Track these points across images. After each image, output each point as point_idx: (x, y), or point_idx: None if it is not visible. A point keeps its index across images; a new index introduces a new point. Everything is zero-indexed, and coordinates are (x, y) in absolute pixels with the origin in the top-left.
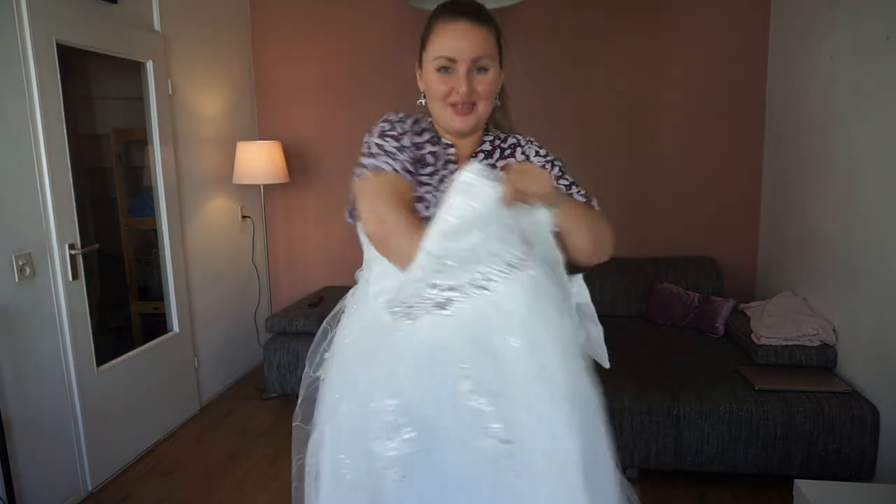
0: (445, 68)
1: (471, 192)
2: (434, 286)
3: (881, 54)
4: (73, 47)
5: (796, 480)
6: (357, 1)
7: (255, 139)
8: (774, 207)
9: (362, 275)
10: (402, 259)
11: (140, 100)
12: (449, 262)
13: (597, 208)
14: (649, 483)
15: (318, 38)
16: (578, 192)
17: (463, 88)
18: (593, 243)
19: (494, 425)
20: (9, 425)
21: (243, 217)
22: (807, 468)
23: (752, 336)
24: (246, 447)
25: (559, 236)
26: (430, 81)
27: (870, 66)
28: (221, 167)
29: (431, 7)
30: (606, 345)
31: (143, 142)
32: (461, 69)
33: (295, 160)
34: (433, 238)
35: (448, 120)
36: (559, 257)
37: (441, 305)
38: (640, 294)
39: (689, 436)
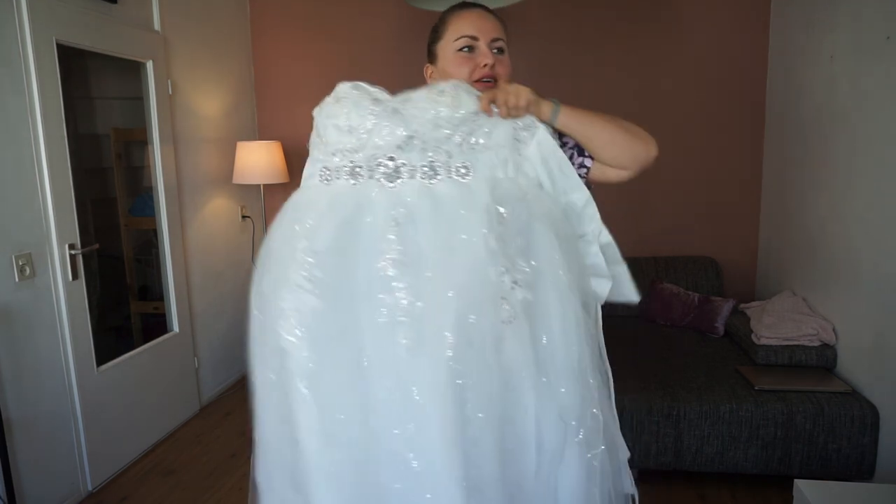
0: (468, 48)
1: (451, 95)
2: (391, 158)
3: (881, 54)
4: (73, 47)
5: (796, 480)
6: (357, 0)
7: (255, 139)
8: (774, 207)
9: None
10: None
11: (140, 100)
12: (415, 142)
13: None
14: (649, 483)
15: (318, 38)
16: None
17: (489, 59)
18: (624, 137)
19: (399, 285)
20: (9, 425)
21: (243, 217)
22: (807, 468)
23: (752, 336)
24: (246, 447)
25: (587, 148)
26: (452, 63)
27: (870, 65)
28: (221, 167)
29: (431, 6)
30: (605, 345)
31: (143, 142)
32: (482, 45)
33: (295, 160)
34: (412, 116)
35: None
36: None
37: (389, 177)
38: (640, 294)
39: (689, 436)
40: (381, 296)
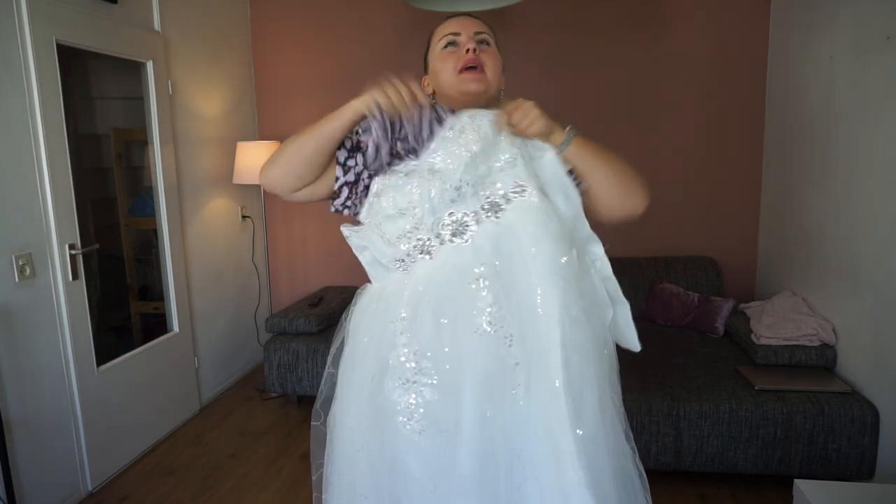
0: (451, 43)
1: (472, 129)
2: (451, 214)
3: (881, 54)
4: (73, 47)
5: (796, 480)
6: (357, 0)
7: (255, 139)
8: (774, 207)
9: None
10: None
11: (140, 100)
12: (465, 189)
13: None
14: (649, 483)
15: (318, 38)
16: None
17: (471, 44)
18: (622, 186)
19: (508, 340)
20: (9, 425)
21: (243, 217)
22: (807, 468)
23: (752, 336)
24: (246, 447)
25: (583, 179)
26: (438, 61)
27: (870, 65)
28: (221, 167)
29: (431, 6)
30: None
31: (143, 142)
32: (464, 38)
33: None
34: (449, 168)
35: (461, 85)
36: (578, 208)
37: (458, 233)
38: (640, 294)
39: (689, 436)
40: (495, 357)
